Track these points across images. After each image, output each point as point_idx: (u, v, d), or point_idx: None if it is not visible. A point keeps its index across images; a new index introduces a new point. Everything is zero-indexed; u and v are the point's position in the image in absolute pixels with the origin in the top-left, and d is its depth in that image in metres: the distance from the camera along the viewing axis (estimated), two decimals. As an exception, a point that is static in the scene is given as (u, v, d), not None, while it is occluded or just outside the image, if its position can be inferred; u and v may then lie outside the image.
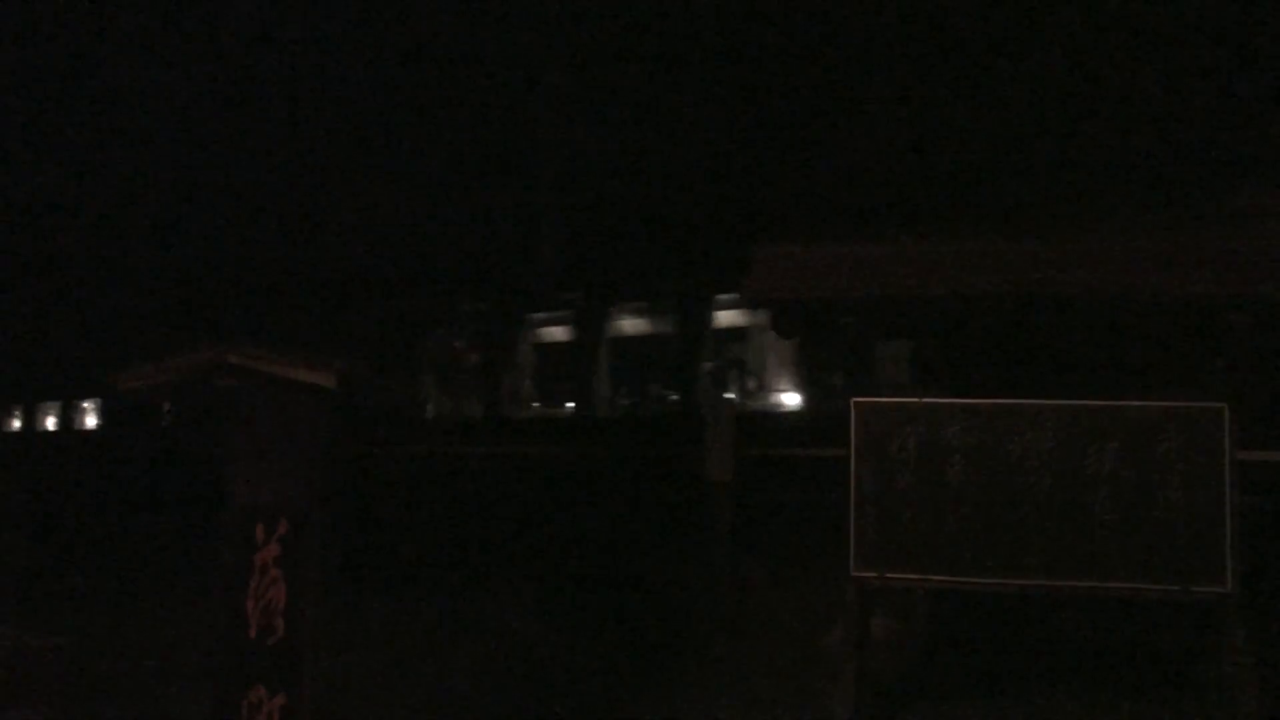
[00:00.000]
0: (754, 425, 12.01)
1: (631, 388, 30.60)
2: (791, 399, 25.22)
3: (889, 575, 7.86)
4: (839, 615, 8.09)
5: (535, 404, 34.27)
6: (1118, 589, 7.59)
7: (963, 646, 9.14)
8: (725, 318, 28.12)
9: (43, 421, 54.82)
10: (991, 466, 7.74)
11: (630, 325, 31.73)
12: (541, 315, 30.89)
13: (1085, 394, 7.73)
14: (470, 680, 8.99)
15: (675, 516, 11.52)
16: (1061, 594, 7.75)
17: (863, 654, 7.98)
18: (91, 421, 51.78)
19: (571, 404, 31.97)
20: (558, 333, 34.39)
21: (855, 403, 7.98)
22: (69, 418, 52.90)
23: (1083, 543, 7.57)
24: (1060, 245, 7.83)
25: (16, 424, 54.88)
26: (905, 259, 7.84)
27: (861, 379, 8.25)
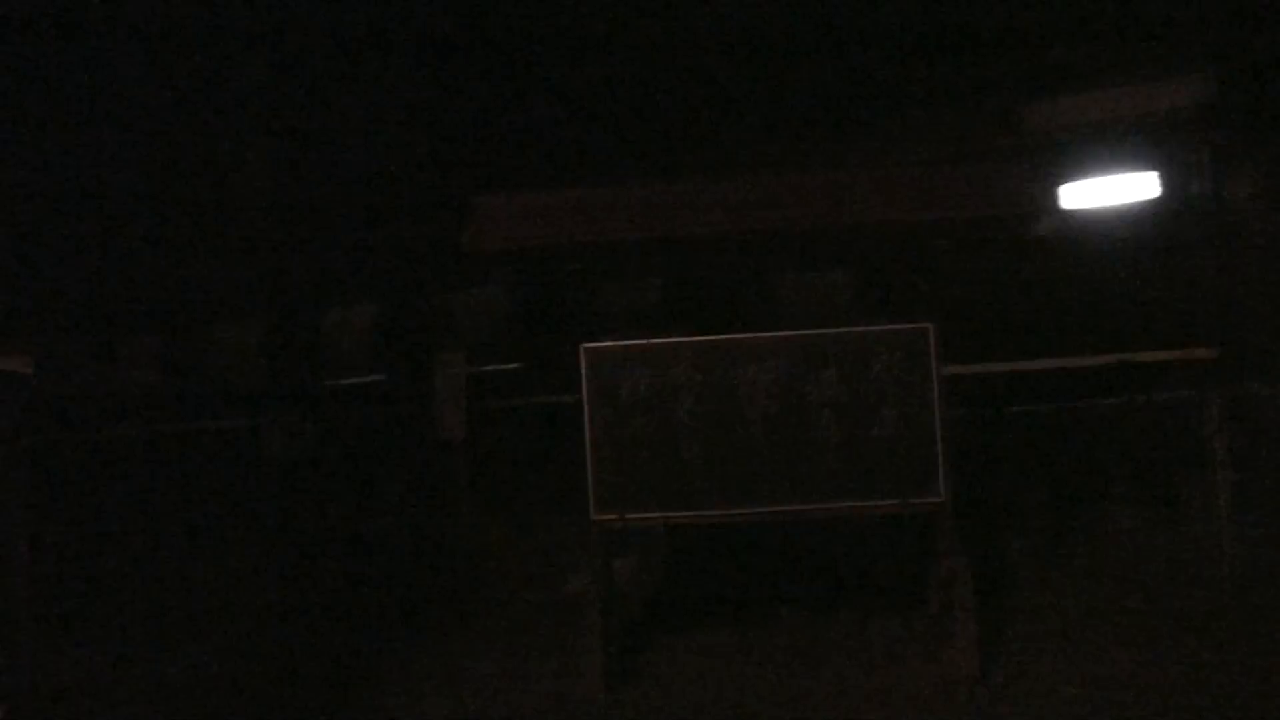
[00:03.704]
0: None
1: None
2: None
3: (629, 516, 7.96)
4: (583, 560, 8.15)
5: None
6: (845, 508, 7.93)
7: (705, 577, 9.37)
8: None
9: None
10: (720, 401, 7.93)
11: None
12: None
13: (806, 324, 8.00)
14: (201, 662, 8.62)
15: (414, 478, 11.32)
16: (793, 518, 8.03)
17: (608, 595, 8.06)
18: None
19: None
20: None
21: (585, 348, 8.00)
22: None
23: (810, 467, 7.87)
24: (771, 184, 8.06)
25: None
26: (624, 203, 7.90)
27: (588, 324, 8.27)
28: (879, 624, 8.55)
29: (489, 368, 11.74)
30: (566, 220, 7.94)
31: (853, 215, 7.72)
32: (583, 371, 7.99)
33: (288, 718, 7.77)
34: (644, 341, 8.07)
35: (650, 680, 8.01)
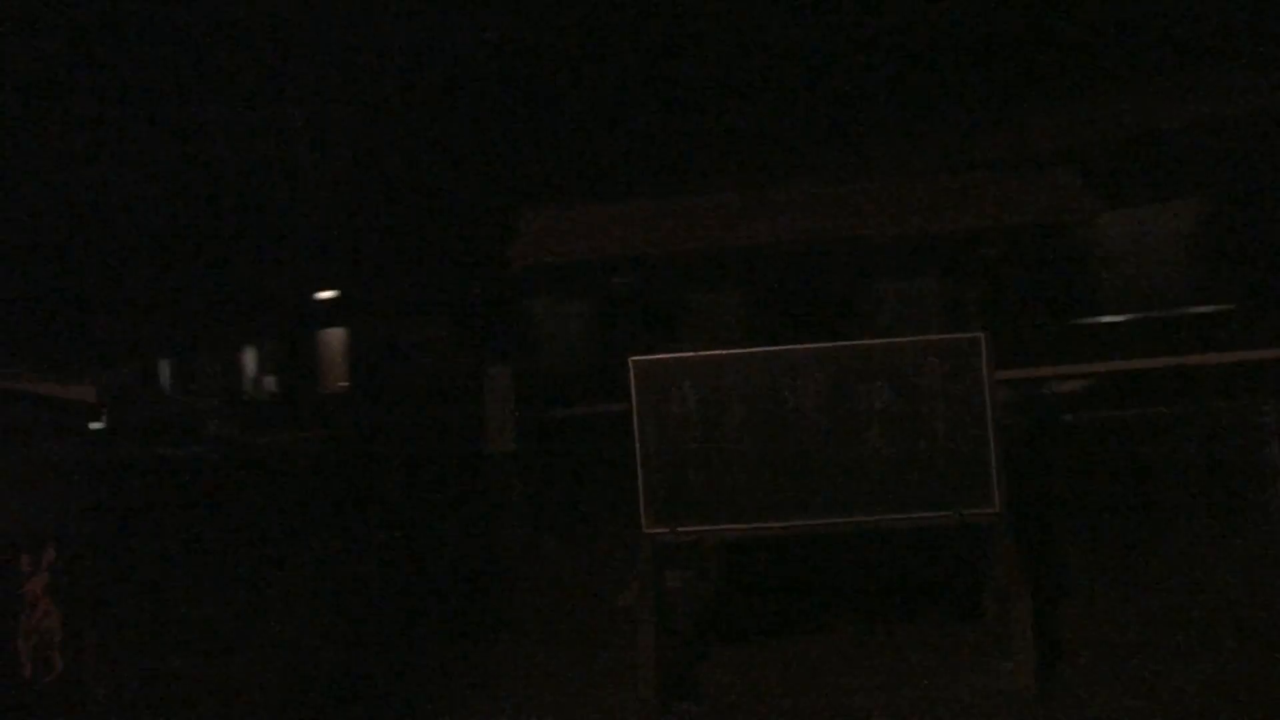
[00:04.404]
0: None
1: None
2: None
3: (680, 529, 7.93)
4: (634, 573, 8.14)
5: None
6: (897, 520, 7.85)
7: (758, 589, 9.34)
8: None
9: None
10: (770, 413, 7.87)
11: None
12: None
13: (856, 334, 7.95)
14: (265, 681, 8.68)
15: (464, 489, 11.36)
16: (844, 530, 7.97)
17: (660, 608, 8.03)
18: None
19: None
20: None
21: (633, 361, 7.98)
22: None
23: (861, 479, 7.80)
24: (818, 194, 8.02)
25: None
26: (673, 214, 7.88)
27: (638, 336, 8.25)
28: (933, 636, 8.48)
29: (537, 379, 11.80)
30: (615, 233, 7.93)
31: (901, 224, 7.66)
32: (631, 383, 7.96)
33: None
34: (693, 354, 8.04)
35: (703, 692, 7.99)
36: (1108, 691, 7.41)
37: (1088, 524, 9.69)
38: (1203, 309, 11.31)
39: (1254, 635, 8.05)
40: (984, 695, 7.53)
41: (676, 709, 7.63)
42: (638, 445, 7.93)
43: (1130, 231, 11.69)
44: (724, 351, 8.05)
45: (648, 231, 7.91)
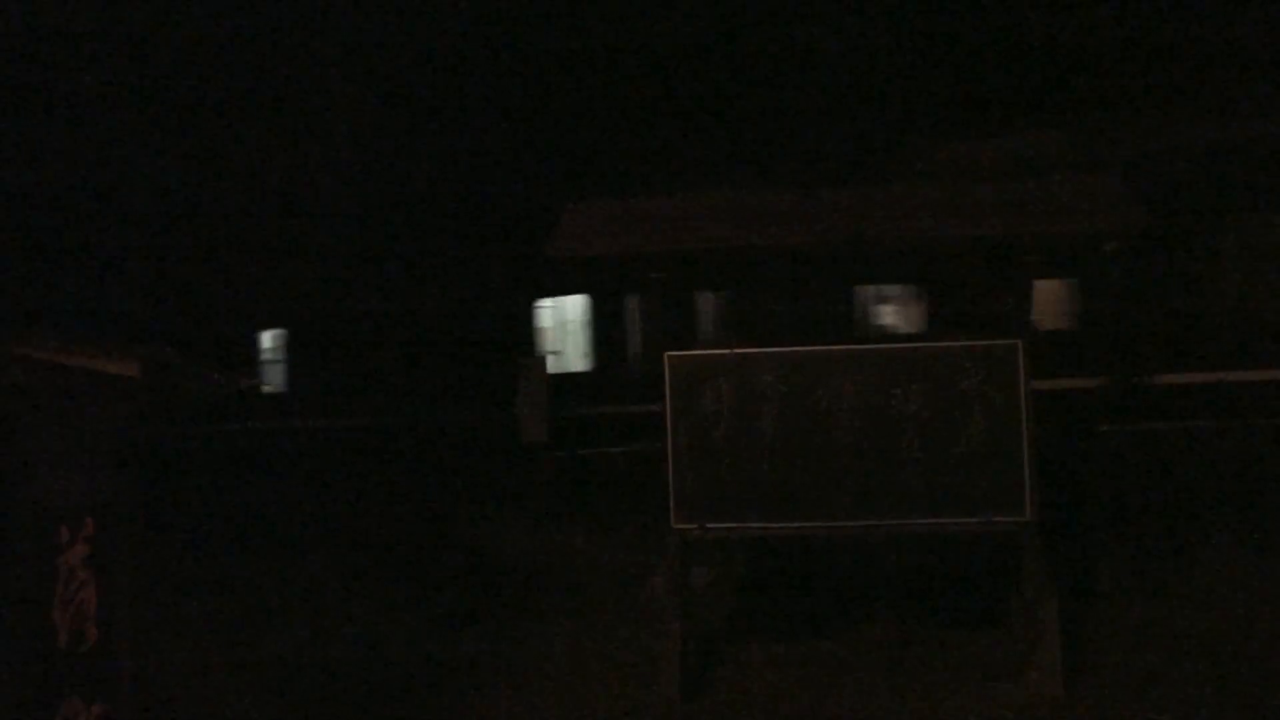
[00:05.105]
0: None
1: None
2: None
3: (709, 526, 7.92)
4: (662, 567, 8.14)
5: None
6: (926, 524, 7.81)
7: (785, 589, 9.32)
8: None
9: None
10: (804, 413, 7.85)
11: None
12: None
13: (892, 337, 7.93)
14: (297, 666, 8.74)
15: (494, 481, 11.39)
16: (874, 533, 7.94)
17: (686, 603, 8.04)
18: None
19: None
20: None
21: (668, 356, 7.97)
22: None
23: (892, 482, 7.77)
24: (859, 196, 8.00)
25: None
26: (713, 212, 7.88)
27: (673, 332, 8.25)
28: (961, 641, 8.44)
29: (571, 373, 11.84)
30: (653, 229, 7.93)
31: (939, 229, 7.63)
32: (666, 380, 7.96)
33: (360, 716, 7.85)
34: (728, 351, 8.03)
35: (727, 690, 7.99)
36: (1134, 703, 7.36)
37: (1120, 536, 9.61)
38: (1243, 324, 11.20)
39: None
40: (1011, 702, 7.50)
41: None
42: (669, 440, 7.92)
43: (1181, 243, 11.60)
44: (759, 350, 8.03)
45: (690, 228, 7.91)
